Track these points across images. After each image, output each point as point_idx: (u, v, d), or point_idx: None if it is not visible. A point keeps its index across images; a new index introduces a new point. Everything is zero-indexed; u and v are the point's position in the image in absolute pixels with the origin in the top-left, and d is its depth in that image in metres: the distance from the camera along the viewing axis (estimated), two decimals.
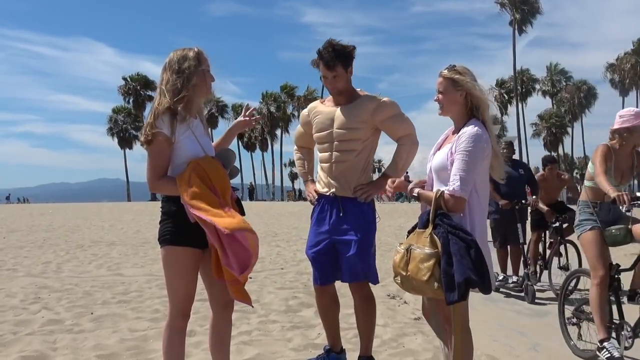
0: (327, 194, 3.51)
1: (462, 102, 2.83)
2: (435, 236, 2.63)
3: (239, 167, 3.14)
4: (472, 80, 2.81)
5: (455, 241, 2.57)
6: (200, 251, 2.80)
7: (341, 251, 3.47)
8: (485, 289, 2.57)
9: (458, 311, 2.76)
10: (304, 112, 3.80)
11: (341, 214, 3.45)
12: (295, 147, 4.02)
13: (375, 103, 3.48)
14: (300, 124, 3.86)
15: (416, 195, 2.92)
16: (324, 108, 3.61)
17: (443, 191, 2.71)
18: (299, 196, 48.29)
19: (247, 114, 3.15)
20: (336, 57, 3.39)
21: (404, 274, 2.69)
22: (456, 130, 2.88)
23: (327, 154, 3.53)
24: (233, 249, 2.62)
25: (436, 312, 2.97)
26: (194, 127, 2.86)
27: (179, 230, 2.76)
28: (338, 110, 3.50)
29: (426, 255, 2.60)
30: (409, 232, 2.87)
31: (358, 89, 3.60)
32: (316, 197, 3.60)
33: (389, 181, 3.07)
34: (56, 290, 6.38)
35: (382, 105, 3.48)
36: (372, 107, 3.45)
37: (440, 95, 2.87)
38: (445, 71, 2.85)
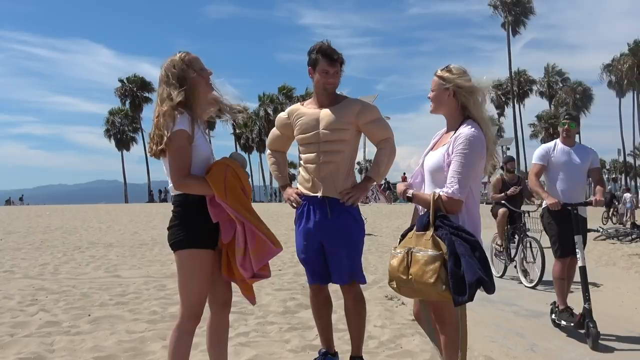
0: (316, 194, 3.50)
1: (451, 101, 2.86)
2: (439, 238, 2.63)
3: (247, 172, 3.16)
4: (461, 77, 2.83)
5: (460, 242, 2.58)
6: (214, 252, 2.85)
7: (331, 253, 3.48)
8: (491, 287, 2.59)
9: (464, 312, 2.77)
10: (283, 115, 3.78)
11: (329, 216, 3.45)
12: (269, 151, 3.97)
13: (359, 105, 3.55)
14: (277, 126, 3.82)
15: (410, 196, 2.92)
16: (307, 110, 3.60)
17: (439, 194, 2.72)
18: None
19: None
20: (338, 53, 3.47)
21: (405, 277, 2.67)
22: (449, 130, 2.91)
23: (313, 155, 3.51)
24: (258, 257, 2.79)
25: (429, 314, 2.97)
26: (203, 128, 2.91)
27: (197, 232, 2.78)
28: (323, 112, 3.52)
29: (430, 258, 2.60)
30: (403, 235, 2.86)
31: (339, 93, 3.63)
32: (299, 200, 3.56)
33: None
34: (53, 292, 6.37)
35: (366, 107, 3.57)
36: (357, 109, 3.50)
37: (430, 93, 2.93)
38: (438, 70, 2.91)
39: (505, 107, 61.88)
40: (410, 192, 2.93)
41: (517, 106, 59.39)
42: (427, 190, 2.89)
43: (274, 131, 3.87)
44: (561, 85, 64.29)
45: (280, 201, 49.66)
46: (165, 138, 2.69)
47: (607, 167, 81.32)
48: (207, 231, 2.78)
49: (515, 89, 59.64)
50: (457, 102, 2.86)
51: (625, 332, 5.07)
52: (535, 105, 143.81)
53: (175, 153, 2.73)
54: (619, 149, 58.25)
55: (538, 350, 4.48)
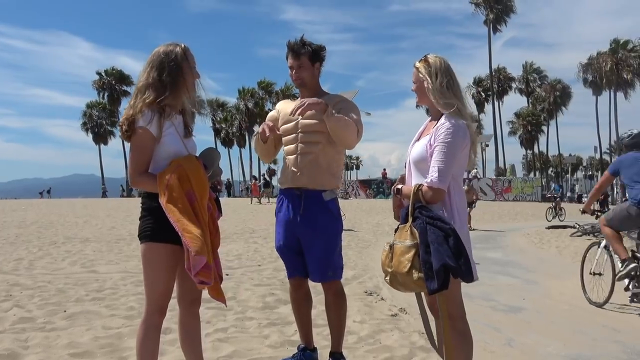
0: (293, 187, 3.50)
1: None
2: (414, 228, 2.65)
3: (221, 168, 3.12)
4: (435, 73, 2.80)
5: (433, 231, 2.59)
6: (179, 248, 2.77)
7: (308, 249, 3.49)
8: (465, 276, 2.58)
9: (443, 299, 2.72)
10: (272, 111, 3.82)
11: (301, 211, 3.45)
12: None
13: (342, 99, 3.61)
14: (267, 121, 3.85)
15: (399, 188, 2.93)
16: (292, 103, 3.64)
17: (421, 185, 2.72)
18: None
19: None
20: (303, 47, 3.47)
21: (390, 270, 2.71)
22: (433, 120, 2.92)
23: (292, 145, 3.54)
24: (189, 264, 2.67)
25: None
26: (177, 124, 2.85)
27: (159, 226, 2.74)
28: None
29: (406, 248, 2.63)
30: (395, 230, 2.88)
31: (325, 89, 3.65)
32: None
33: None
34: (28, 288, 6.27)
35: (349, 103, 3.61)
36: (336, 100, 3.54)
37: (413, 85, 2.94)
38: (416, 62, 2.91)
39: (486, 103, 62.52)
40: (400, 186, 2.94)
41: (496, 103, 60.05)
42: (413, 181, 2.89)
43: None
44: (539, 82, 65.11)
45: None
46: (126, 127, 2.72)
47: (584, 164, 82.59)
48: (172, 226, 2.69)
49: (495, 86, 60.22)
50: None
51: (599, 325, 5.17)
52: (513, 102, 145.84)
53: (135, 150, 2.76)
54: (595, 147, 59.17)
55: (515, 344, 4.52)
